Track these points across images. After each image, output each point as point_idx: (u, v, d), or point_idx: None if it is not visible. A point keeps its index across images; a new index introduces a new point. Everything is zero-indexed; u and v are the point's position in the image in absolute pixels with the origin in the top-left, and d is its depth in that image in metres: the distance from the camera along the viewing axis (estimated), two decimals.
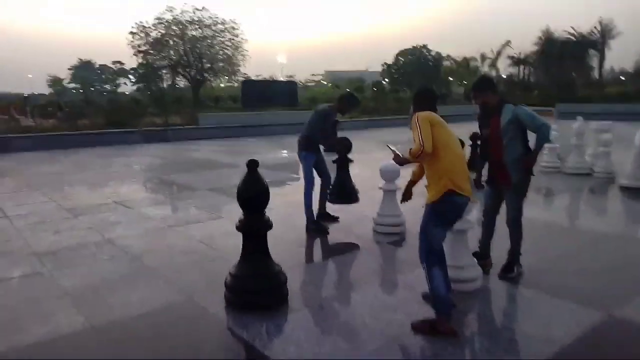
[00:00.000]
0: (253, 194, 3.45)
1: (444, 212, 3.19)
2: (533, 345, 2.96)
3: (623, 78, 49.92)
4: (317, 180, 5.58)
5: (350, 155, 5.72)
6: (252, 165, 3.45)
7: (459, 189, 3.12)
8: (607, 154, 8.86)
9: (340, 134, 5.74)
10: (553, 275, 4.19)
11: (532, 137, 3.91)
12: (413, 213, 4.61)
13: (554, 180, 8.78)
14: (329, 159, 5.71)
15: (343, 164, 5.67)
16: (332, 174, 5.71)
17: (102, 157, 12.89)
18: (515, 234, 4.15)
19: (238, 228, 3.55)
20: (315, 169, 5.55)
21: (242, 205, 3.52)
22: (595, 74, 45.03)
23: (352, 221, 5.75)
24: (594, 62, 45.11)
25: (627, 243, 5.21)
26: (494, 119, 4.00)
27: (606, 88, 37.88)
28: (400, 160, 3.38)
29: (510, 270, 4.12)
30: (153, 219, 6.18)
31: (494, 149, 4.03)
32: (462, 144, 3.82)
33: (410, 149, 3.19)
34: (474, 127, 4.17)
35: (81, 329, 3.25)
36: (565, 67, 41.55)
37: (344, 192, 5.66)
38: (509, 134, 3.96)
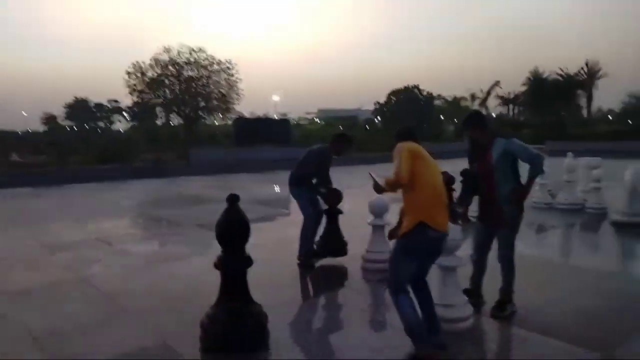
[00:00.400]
0: (231, 230, 3.28)
1: (414, 245, 3.08)
2: None
3: (610, 117, 50.88)
4: None
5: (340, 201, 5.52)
6: (232, 199, 3.31)
7: (433, 223, 3.01)
8: (598, 189, 8.81)
9: (332, 170, 5.60)
10: (548, 314, 4.00)
11: (523, 173, 3.82)
12: None
13: (546, 215, 8.67)
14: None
15: (334, 216, 5.49)
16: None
17: (91, 192, 12.70)
18: (507, 272, 4.00)
19: (216, 266, 3.37)
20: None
21: (220, 242, 3.36)
22: (584, 113, 45.91)
23: (341, 258, 5.56)
24: (582, 102, 46.09)
25: (623, 281, 5.04)
26: (485, 154, 3.93)
27: (595, 126, 38.45)
28: (379, 188, 3.26)
29: (503, 309, 3.94)
30: (133, 256, 5.97)
31: (487, 185, 3.93)
32: (452, 180, 3.73)
33: (387, 178, 3.09)
34: (465, 163, 4.09)
35: None
36: (554, 107, 42.34)
37: (334, 245, 5.46)
38: (500, 169, 3.87)
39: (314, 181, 5.41)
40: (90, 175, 16.13)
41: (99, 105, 62.89)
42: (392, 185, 3.07)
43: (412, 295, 3.15)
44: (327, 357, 3.25)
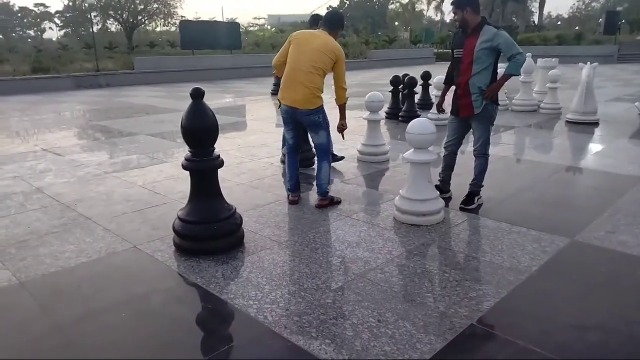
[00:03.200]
0: (200, 126, 3.05)
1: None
2: (500, 273, 2.88)
3: (559, 23, 51.40)
4: None
5: None
6: (197, 94, 3.04)
7: (281, 99, 3.94)
8: (555, 89, 8.97)
9: None
10: (513, 206, 4.15)
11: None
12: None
13: (503, 116, 8.82)
14: None
15: None
16: None
17: (29, 105, 11.77)
18: (479, 165, 4.05)
19: (185, 166, 3.17)
20: None
21: (187, 141, 3.14)
22: (535, 18, 46.00)
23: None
24: (534, 8, 45.99)
25: (578, 173, 5.28)
26: (469, 40, 3.78)
27: (545, 31, 38.83)
28: None
29: (471, 202, 4.04)
30: (88, 166, 5.63)
31: (463, 71, 3.84)
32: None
33: None
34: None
35: (6, 285, 2.84)
36: (506, 12, 42.09)
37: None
38: (481, 60, 3.76)
39: None
40: (26, 87, 14.91)
41: (24, 10, 56.81)
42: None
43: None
44: (305, 252, 3.24)
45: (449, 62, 4.19)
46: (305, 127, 4.04)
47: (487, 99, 3.84)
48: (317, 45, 3.79)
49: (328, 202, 4.12)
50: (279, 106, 4.09)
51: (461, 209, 4.01)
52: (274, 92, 13.42)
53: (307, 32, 4.04)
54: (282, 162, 5.35)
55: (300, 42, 3.85)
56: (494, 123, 4.04)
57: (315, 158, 4.17)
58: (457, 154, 4.25)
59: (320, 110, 3.91)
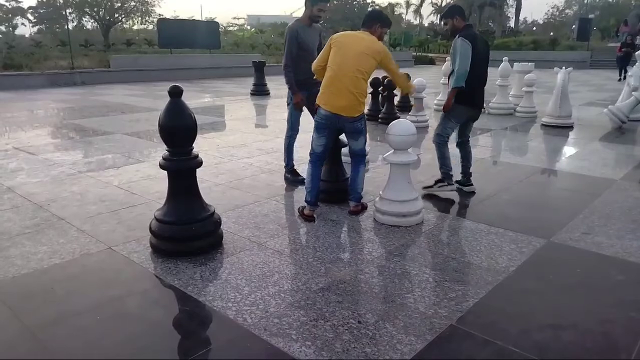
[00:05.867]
0: (178, 125, 2.99)
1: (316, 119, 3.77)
2: (479, 274, 2.90)
3: (535, 28, 52.51)
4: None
5: None
6: (176, 91, 2.99)
7: (323, 104, 3.66)
8: (530, 93, 9.14)
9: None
10: (491, 207, 4.19)
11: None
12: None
13: (480, 119, 8.90)
14: None
15: None
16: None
17: (0, 102, 11.43)
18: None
19: (162, 166, 3.11)
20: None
21: (165, 139, 3.07)
22: (512, 23, 46.87)
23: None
24: (511, 13, 46.87)
25: (554, 176, 5.37)
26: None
27: (521, 36, 39.59)
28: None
29: (433, 185, 4.49)
30: (61, 165, 5.49)
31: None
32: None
33: None
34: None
35: None
36: (483, 17, 42.80)
37: None
38: (451, 61, 4.14)
39: None
40: None
41: None
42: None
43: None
44: (285, 253, 3.21)
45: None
46: (345, 133, 3.84)
47: (444, 111, 4.27)
48: (362, 47, 3.59)
49: (361, 207, 3.98)
50: (315, 111, 3.77)
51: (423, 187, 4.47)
52: (254, 93, 13.34)
53: (350, 34, 3.84)
54: (287, 178, 4.88)
55: (343, 45, 3.62)
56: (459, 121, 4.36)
57: (351, 163, 3.94)
58: (466, 144, 4.57)
59: (363, 116, 3.74)
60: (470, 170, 4.57)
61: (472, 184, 4.52)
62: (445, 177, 4.42)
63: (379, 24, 3.78)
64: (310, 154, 3.83)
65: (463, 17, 4.16)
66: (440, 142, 4.37)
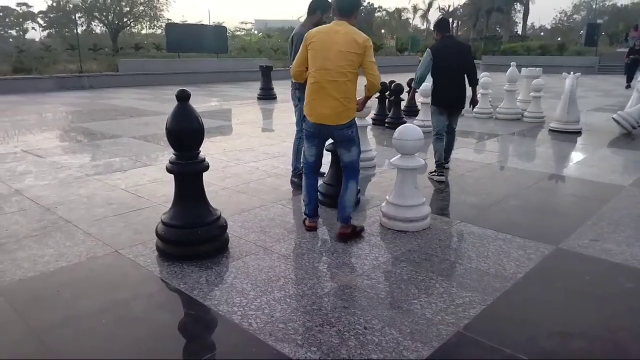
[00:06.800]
0: (186, 128, 3.00)
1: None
2: (486, 280, 2.88)
3: (542, 33, 52.36)
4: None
5: None
6: (183, 96, 3.00)
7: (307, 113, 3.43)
8: (538, 98, 9.10)
9: None
10: (498, 213, 4.17)
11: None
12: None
13: (487, 124, 8.93)
14: None
15: None
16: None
17: (10, 105, 11.54)
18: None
19: (169, 169, 3.12)
20: None
21: (172, 143, 3.08)
22: (519, 29, 46.76)
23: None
24: (518, 18, 46.77)
25: (562, 181, 5.33)
26: None
27: (528, 41, 39.47)
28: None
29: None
30: (69, 168, 5.52)
31: None
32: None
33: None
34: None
35: None
36: (491, 22, 42.75)
37: None
38: None
39: None
40: (6, 87, 14.63)
41: (6, 8, 55.87)
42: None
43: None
44: (290, 257, 3.20)
45: None
46: (336, 143, 3.51)
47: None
48: (341, 43, 3.20)
49: (350, 231, 3.48)
50: (303, 120, 3.63)
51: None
52: (260, 97, 13.38)
53: (325, 30, 3.34)
54: (294, 182, 4.89)
55: (320, 45, 3.25)
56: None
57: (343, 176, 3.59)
58: (450, 135, 5.26)
59: (353, 123, 3.40)
60: (448, 165, 5.30)
61: (442, 175, 5.03)
62: (437, 167, 5.06)
63: (357, 12, 3.43)
64: (303, 164, 3.72)
65: (441, 30, 5.05)
66: (434, 138, 5.10)
